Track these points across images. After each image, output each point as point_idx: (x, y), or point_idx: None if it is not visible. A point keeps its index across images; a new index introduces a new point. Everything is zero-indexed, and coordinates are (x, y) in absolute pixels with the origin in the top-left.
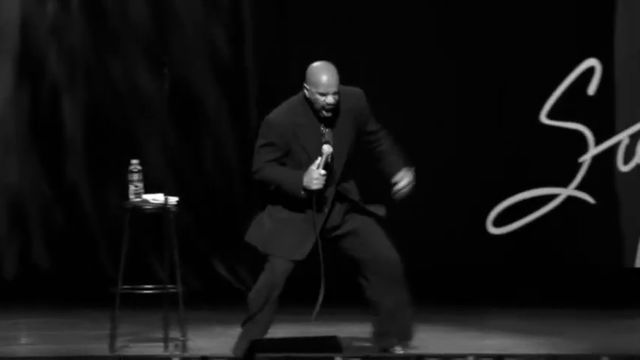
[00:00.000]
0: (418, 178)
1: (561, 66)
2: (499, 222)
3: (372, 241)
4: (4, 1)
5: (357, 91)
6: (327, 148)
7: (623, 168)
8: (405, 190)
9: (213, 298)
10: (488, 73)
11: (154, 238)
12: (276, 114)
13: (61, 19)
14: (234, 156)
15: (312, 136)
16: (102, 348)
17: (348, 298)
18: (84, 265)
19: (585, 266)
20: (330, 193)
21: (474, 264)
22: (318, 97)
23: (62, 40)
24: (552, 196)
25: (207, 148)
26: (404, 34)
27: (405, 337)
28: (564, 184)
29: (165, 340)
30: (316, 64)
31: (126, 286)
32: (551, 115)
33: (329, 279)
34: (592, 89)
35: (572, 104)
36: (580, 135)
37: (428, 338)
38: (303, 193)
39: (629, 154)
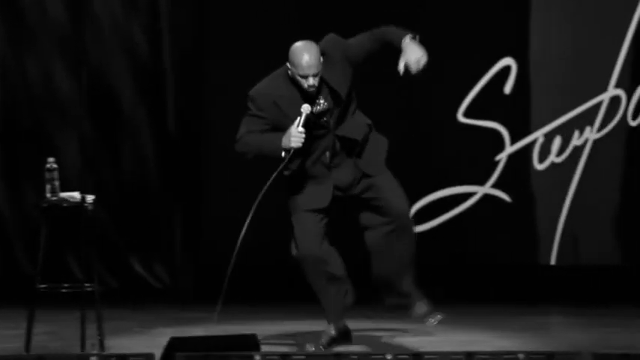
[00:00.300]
0: None
1: (478, 65)
2: (417, 220)
3: (384, 190)
4: None
5: (328, 39)
6: (305, 108)
7: (539, 166)
8: (418, 66)
9: (131, 296)
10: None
11: (70, 236)
12: (258, 88)
13: None
14: (152, 154)
15: (296, 106)
16: (18, 347)
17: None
18: (0, 264)
19: (501, 264)
20: (329, 141)
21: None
22: (299, 78)
23: None
24: (469, 195)
25: (124, 147)
26: (322, 32)
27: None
28: (481, 182)
29: (83, 338)
30: (297, 44)
31: (43, 285)
32: (467, 113)
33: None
34: (508, 88)
35: (489, 103)
36: (496, 133)
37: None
38: (283, 154)
39: (544, 153)
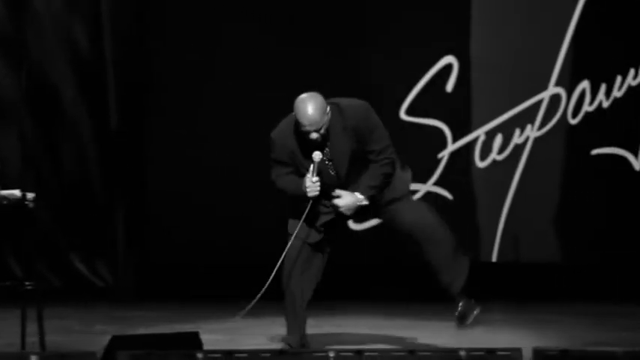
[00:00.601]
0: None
1: (419, 64)
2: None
3: (400, 215)
4: None
5: (359, 107)
6: (316, 156)
7: (480, 164)
8: (337, 206)
9: (73, 294)
10: (348, 71)
11: (11, 234)
12: (275, 134)
13: None
14: (93, 151)
15: (307, 155)
16: None
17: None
18: None
19: None
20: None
21: (337, 262)
22: (302, 129)
23: None
24: (411, 192)
25: (65, 144)
26: (262, 32)
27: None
28: (423, 180)
29: (23, 337)
30: (301, 97)
31: None
32: (409, 111)
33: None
34: (450, 86)
35: (431, 101)
36: (438, 131)
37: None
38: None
39: (485, 151)
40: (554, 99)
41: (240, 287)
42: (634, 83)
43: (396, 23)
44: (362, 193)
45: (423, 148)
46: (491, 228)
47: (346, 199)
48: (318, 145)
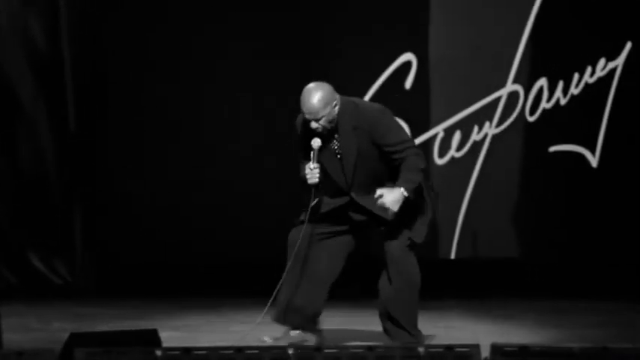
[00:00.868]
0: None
1: (378, 61)
2: None
3: (389, 244)
4: None
5: (374, 111)
6: (314, 143)
7: (439, 161)
8: (383, 205)
9: (30, 292)
10: (306, 66)
11: None
12: (297, 120)
13: None
14: (50, 147)
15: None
16: None
17: None
18: None
19: None
20: (344, 201)
21: None
22: (304, 117)
23: None
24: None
25: (21, 140)
26: (222, 30)
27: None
28: None
29: None
30: (308, 86)
31: None
32: None
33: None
34: (408, 84)
35: (389, 98)
36: None
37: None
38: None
39: (444, 148)
40: (512, 96)
41: (200, 285)
42: (591, 81)
43: (355, 20)
44: (401, 186)
45: None
46: (450, 225)
47: (390, 196)
48: (323, 137)
